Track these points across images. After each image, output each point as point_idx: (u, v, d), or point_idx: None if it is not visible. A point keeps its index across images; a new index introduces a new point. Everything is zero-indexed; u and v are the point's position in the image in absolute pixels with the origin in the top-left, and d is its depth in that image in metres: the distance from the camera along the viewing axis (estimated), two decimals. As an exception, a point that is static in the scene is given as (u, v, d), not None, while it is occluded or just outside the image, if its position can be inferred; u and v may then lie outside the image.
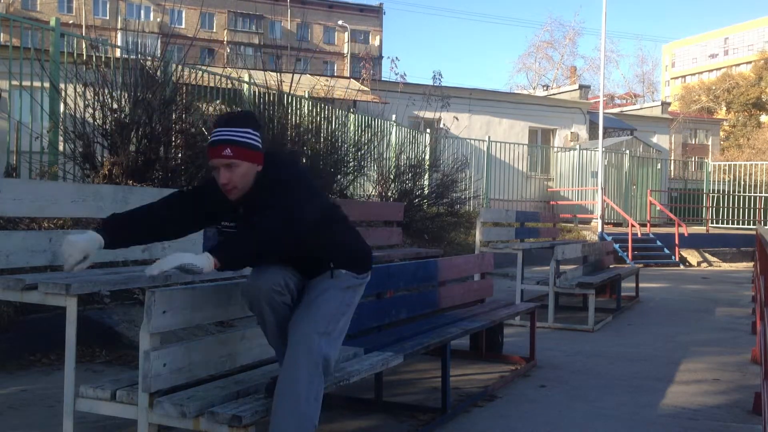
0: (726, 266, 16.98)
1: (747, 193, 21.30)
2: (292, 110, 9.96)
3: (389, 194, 11.13)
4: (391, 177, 11.42)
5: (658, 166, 21.40)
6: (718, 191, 21.81)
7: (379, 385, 4.14)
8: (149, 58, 7.77)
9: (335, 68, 58.51)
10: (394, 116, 14.57)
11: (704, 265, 17.16)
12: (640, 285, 10.07)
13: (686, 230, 17.53)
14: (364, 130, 12.62)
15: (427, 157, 13.78)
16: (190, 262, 2.43)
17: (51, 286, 3.00)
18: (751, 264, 15.19)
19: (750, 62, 63.64)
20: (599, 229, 17.12)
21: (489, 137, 19.21)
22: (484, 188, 18.11)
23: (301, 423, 2.57)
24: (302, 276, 2.86)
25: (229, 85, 9.52)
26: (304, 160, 8.47)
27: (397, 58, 31.06)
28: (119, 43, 11.82)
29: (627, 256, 15.77)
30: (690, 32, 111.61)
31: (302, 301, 2.80)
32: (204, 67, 9.62)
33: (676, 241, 17.00)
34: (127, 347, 4.99)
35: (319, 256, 2.86)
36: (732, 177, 22.36)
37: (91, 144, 6.90)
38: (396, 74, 16.04)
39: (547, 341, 6.42)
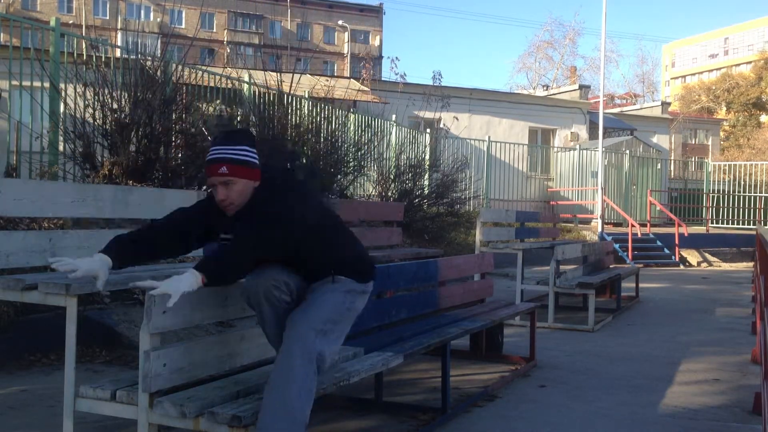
0: (726, 266, 16.98)
1: (747, 193, 21.29)
2: (292, 110, 9.95)
3: (389, 194, 11.13)
4: (391, 177, 11.42)
5: (658, 166, 21.41)
6: (718, 191, 21.81)
7: (379, 385, 4.14)
8: (149, 58, 7.77)
9: (335, 68, 58.50)
10: (394, 116, 14.56)
11: (704, 265, 17.16)
12: (640, 285, 10.07)
13: (686, 230, 17.53)
14: (364, 130, 12.62)
15: (427, 157, 13.78)
16: (186, 290, 2.55)
17: (51, 286, 3.00)
18: (751, 264, 15.18)
19: (750, 62, 63.63)
20: (599, 229, 17.12)
21: (489, 137, 19.21)
22: (484, 188, 18.11)
23: (292, 417, 2.54)
24: (305, 280, 2.88)
25: (229, 85, 9.52)
26: (304, 160, 8.47)
27: (397, 58, 31.13)
28: (119, 43, 11.84)
29: (627, 256, 15.77)
30: (690, 32, 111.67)
31: (302, 302, 2.82)
32: (204, 67, 9.62)
33: (676, 241, 17.01)
34: (127, 347, 4.99)
35: (319, 263, 2.88)
36: (732, 177, 22.36)
37: (91, 144, 6.90)
38: (396, 74, 16.07)
39: (547, 341, 6.42)
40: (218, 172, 2.77)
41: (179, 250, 3.01)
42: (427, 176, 12.65)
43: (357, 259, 3.01)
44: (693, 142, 44.40)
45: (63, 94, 7.29)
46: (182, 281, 2.55)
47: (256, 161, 2.85)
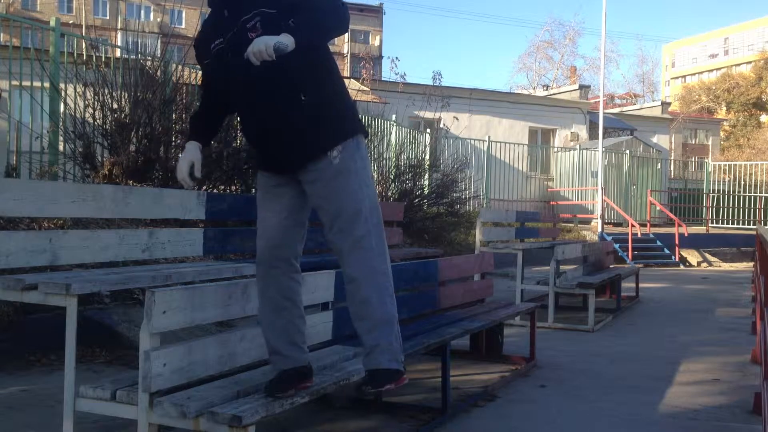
0: (726, 266, 16.98)
1: (747, 193, 21.29)
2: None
3: (389, 194, 11.13)
4: (391, 177, 11.42)
5: (658, 166, 21.41)
6: (718, 191, 21.80)
7: (379, 385, 4.13)
8: (149, 58, 7.78)
9: (335, 68, 58.42)
10: (394, 116, 14.56)
11: (704, 265, 17.16)
12: (640, 285, 10.07)
13: (686, 230, 17.53)
14: (364, 130, 12.59)
15: (427, 157, 13.78)
16: (279, 41, 2.49)
17: (51, 286, 3.00)
18: (751, 264, 15.18)
19: (750, 62, 63.60)
20: (599, 229, 17.12)
21: (489, 137, 19.21)
22: (484, 188, 18.11)
23: (392, 329, 2.79)
24: (291, 178, 2.80)
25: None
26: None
27: (397, 58, 30.97)
28: (119, 43, 11.83)
29: (627, 256, 15.77)
30: (690, 32, 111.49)
31: (328, 222, 2.73)
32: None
33: (676, 241, 17.00)
34: (127, 347, 4.99)
35: (296, 87, 2.70)
36: (732, 177, 22.35)
37: (91, 144, 6.90)
38: (396, 74, 16.01)
39: (547, 341, 6.42)
40: None
41: (227, 102, 2.97)
42: (427, 176, 12.65)
43: (348, 103, 2.89)
44: (693, 142, 44.40)
45: (63, 94, 7.29)
46: (274, 38, 2.49)
47: None
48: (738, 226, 20.61)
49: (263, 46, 2.46)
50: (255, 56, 2.48)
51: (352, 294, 2.73)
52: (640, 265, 13.22)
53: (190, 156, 2.94)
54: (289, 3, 2.60)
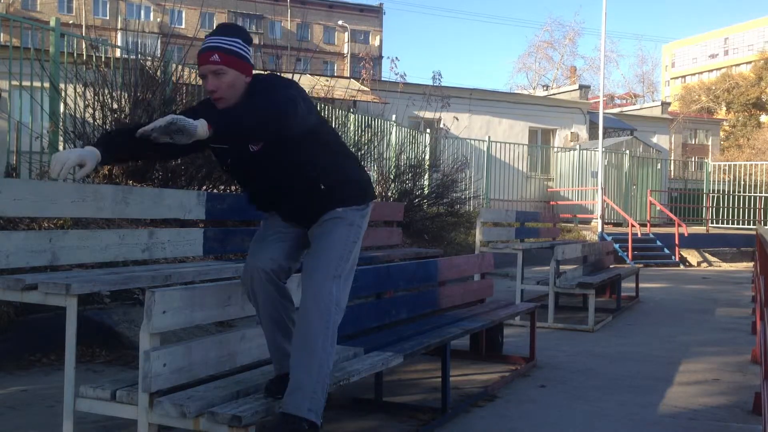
0: (726, 266, 16.98)
1: (747, 193, 21.29)
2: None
3: (389, 194, 11.13)
4: (391, 177, 11.42)
5: (658, 166, 21.40)
6: (718, 191, 21.80)
7: (379, 385, 4.14)
8: (149, 58, 7.77)
9: (335, 68, 58.49)
10: (394, 116, 14.56)
11: (704, 265, 17.16)
12: (640, 285, 10.07)
13: (686, 230, 17.53)
14: (364, 130, 12.61)
15: (427, 157, 13.78)
16: (183, 119, 2.40)
17: (51, 286, 3.00)
18: (751, 264, 15.18)
19: (750, 62, 63.60)
20: (599, 229, 17.12)
21: (489, 137, 19.21)
22: (484, 188, 18.11)
23: (318, 372, 2.68)
24: (302, 227, 2.93)
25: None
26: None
27: (397, 58, 30.94)
28: (119, 43, 11.82)
29: (627, 256, 15.77)
30: (690, 32, 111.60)
31: (310, 251, 2.86)
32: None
33: (676, 241, 17.01)
34: (127, 347, 4.99)
35: (312, 178, 2.83)
36: (732, 177, 22.35)
37: (91, 144, 6.90)
38: (396, 74, 16.00)
39: (547, 341, 6.42)
40: (209, 60, 2.70)
41: (169, 153, 2.92)
42: (427, 176, 12.64)
43: (350, 175, 2.96)
44: (693, 142, 44.40)
45: (63, 94, 7.29)
46: (182, 117, 2.43)
47: (249, 56, 2.80)
48: (738, 226, 20.61)
49: (164, 121, 2.39)
50: (147, 128, 2.42)
51: (301, 322, 2.76)
52: (640, 265, 13.22)
53: (84, 155, 2.68)
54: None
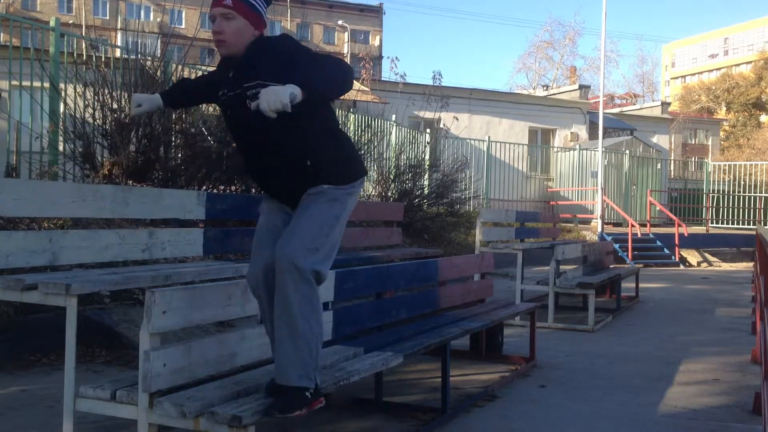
0: (726, 266, 16.97)
1: (747, 193, 21.29)
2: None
3: (389, 194, 11.13)
4: (391, 177, 11.41)
5: (658, 166, 21.40)
6: (718, 191, 21.80)
7: (379, 385, 4.14)
8: (149, 58, 7.77)
9: (335, 68, 58.39)
10: (394, 116, 14.55)
11: (704, 265, 17.16)
12: (640, 285, 10.07)
13: (686, 230, 17.53)
14: (364, 130, 12.61)
15: (427, 157, 13.77)
16: (291, 91, 2.46)
17: (51, 286, 3.00)
18: (751, 264, 15.18)
19: (750, 62, 63.60)
20: (599, 229, 17.11)
21: (489, 137, 19.21)
22: (484, 188, 18.10)
23: (304, 345, 2.62)
24: (291, 208, 2.87)
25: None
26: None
27: (397, 58, 30.95)
28: (119, 43, 11.82)
29: (627, 256, 15.76)
30: (690, 32, 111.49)
31: (288, 225, 2.78)
32: (204, 67, 9.62)
33: (676, 241, 17.00)
34: (127, 347, 4.99)
35: (299, 149, 2.77)
36: (732, 177, 22.35)
37: (91, 144, 6.90)
38: (396, 74, 16.00)
39: (547, 341, 6.42)
40: (222, 3, 2.72)
41: (204, 100, 3.44)
42: (427, 176, 12.63)
43: (339, 153, 2.88)
44: (693, 142, 44.41)
45: (63, 94, 7.29)
46: (285, 90, 2.45)
47: (263, 11, 2.80)
48: (738, 226, 20.61)
49: (274, 96, 2.41)
50: (270, 106, 2.42)
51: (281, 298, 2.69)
52: (640, 265, 13.22)
53: (141, 98, 3.16)
54: (289, 77, 2.56)
